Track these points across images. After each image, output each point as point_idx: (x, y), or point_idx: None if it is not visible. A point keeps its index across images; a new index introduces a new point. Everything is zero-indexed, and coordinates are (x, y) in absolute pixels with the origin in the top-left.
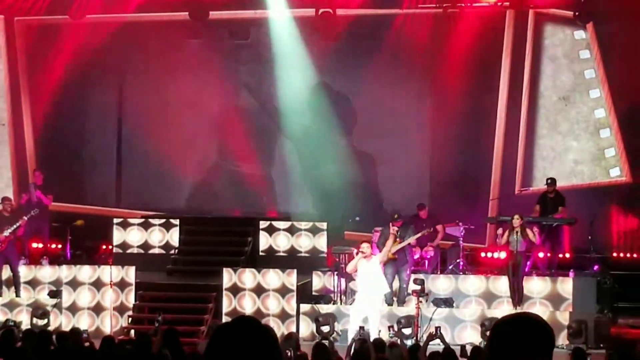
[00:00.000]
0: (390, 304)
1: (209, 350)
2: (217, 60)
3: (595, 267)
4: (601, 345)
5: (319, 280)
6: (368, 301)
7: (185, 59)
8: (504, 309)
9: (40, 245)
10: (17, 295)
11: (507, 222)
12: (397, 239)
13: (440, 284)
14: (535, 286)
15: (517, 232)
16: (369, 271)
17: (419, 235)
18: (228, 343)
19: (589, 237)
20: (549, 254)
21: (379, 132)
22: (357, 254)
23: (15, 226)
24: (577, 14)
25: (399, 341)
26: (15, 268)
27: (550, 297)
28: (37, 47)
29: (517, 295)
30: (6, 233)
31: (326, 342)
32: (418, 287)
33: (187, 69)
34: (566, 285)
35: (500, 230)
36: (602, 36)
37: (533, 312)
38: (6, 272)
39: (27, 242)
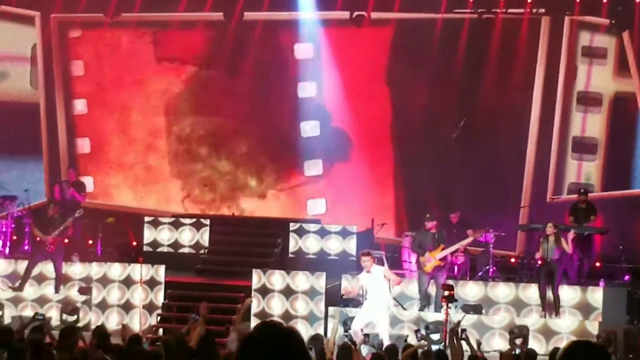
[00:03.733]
0: (422, 309)
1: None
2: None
3: (626, 277)
4: (630, 355)
5: (348, 284)
6: (374, 310)
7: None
8: (533, 317)
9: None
10: (56, 291)
11: (538, 230)
12: (441, 245)
13: (470, 290)
14: (565, 295)
15: (549, 240)
16: (371, 282)
17: (467, 241)
18: (258, 351)
19: (621, 247)
20: (578, 263)
21: (409, 135)
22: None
23: (62, 228)
24: (613, 21)
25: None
26: (59, 268)
27: (580, 306)
28: (74, 44)
29: (555, 304)
30: (54, 234)
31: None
32: (447, 293)
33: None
34: (596, 295)
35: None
36: (638, 44)
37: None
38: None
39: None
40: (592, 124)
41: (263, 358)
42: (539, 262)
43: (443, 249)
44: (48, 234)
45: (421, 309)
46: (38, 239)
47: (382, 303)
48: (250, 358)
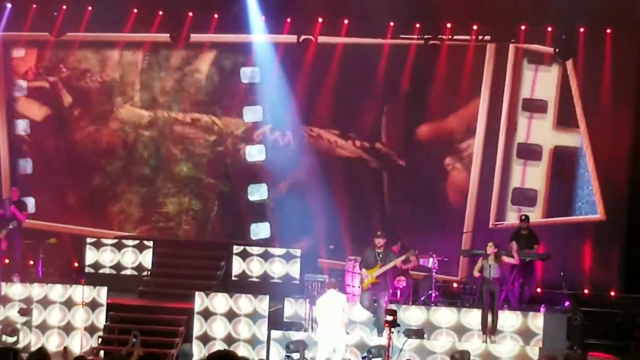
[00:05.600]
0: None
1: None
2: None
3: (567, 303)
4: None
5: (291, 307)
6: (334, 336)
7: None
8: (474, 342)
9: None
10: None
11: (480, 255)
12: (380, 263)
13: (412, 315)
14: (506, 320)
15: (489, 259)
16: (332, 306)
17: (403, 258)
18: None
19: (562, 273)
20: (520, 289)
21: (355, 160)
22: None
23: None
24: (557, 50)
25: None
26: None
27: (520, 331)
28: (18, 63)
29: (493, 325)
30: None
31: None
32: (390, 318)
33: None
34: (537, 320)
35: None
36: (581, 73)
37: None
38: None
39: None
40: (533, 173)
41: None
42: (478, 279)
43: (381, 267)
44: None
45: (379, 330)
46: None
47: (342, 329)
48: None
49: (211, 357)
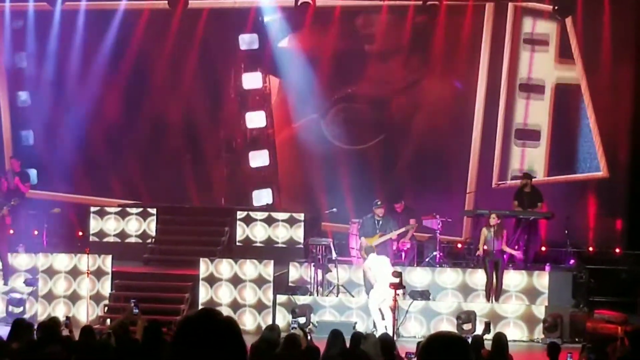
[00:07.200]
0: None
1: (174, 344)
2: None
3: (571, 261)
4: (577, 339)
5: (296, 271)
6: (386, 289)
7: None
8: (480, 302)
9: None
10: (5, 283)
11: (484, 216)
12: (378, 232)
13: (417, 277)
14: (512, 280)
15: (492, 230)
16: (383, 265)
17: (402, 230)
18: (192, 337)
19: (566, 231)
20: (524, 248)
21: (355, 121)
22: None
23: None
24: (556, 7)
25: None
26: (3, 256)
27: (526, 290)
28: (19, 35)
29: (497, 290)
30: None
31: (299, 333)
32: (396, 280)
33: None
34: (542, 279)
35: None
36: (581, 30)
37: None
38: None
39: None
40: (535, 111)
41: (197, 338)
42: (482, 252)
43: (381, 236)
44: None
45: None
46: None
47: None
48: (185, 337)
49: (194, 315)
